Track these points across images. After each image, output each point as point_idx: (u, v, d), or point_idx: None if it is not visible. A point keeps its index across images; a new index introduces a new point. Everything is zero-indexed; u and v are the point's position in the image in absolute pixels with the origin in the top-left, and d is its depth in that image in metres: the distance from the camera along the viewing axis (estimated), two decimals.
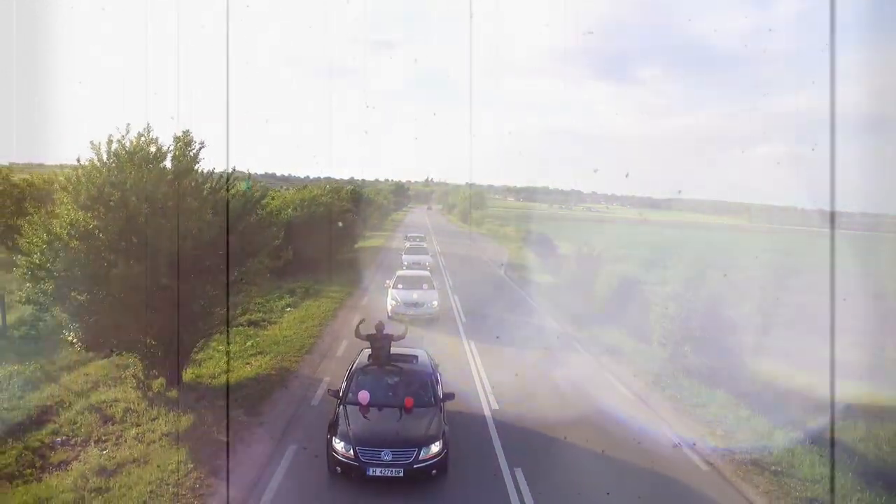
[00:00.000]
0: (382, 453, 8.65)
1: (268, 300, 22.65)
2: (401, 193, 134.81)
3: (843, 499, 9.03)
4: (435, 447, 8.82)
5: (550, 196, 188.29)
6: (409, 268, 27.00)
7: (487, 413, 11.90)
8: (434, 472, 8.85)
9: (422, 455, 8.70)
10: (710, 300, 16.85)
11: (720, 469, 9.99)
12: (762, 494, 9.18)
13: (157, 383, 13.09)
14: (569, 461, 10.00)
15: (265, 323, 19.86)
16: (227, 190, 13.23)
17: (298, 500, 8.43)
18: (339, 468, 8.82)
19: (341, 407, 9.62)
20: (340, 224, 33.56)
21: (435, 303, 20.63)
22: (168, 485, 8.60)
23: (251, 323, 19.27)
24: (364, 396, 9.54)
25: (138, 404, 12.25)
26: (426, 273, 24.27)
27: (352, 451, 8.68)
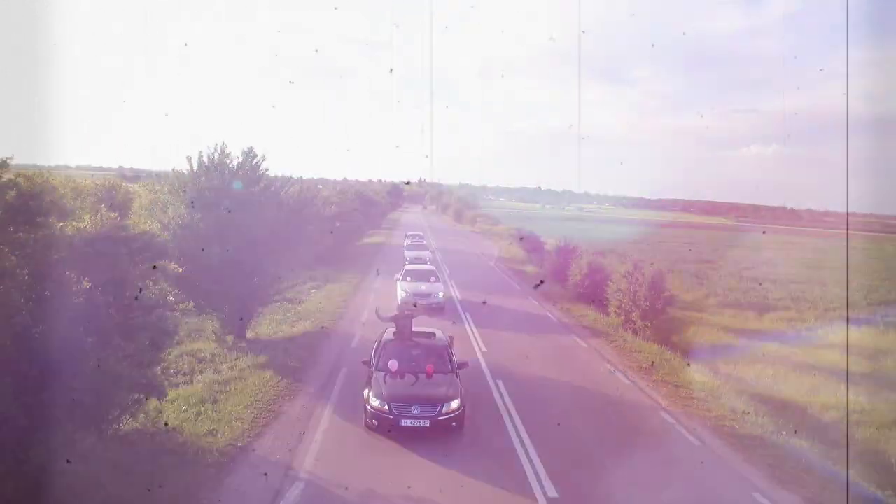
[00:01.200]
0: (412, 408, 10.45)
1: (295, 283, 27.06)
2: (396, 194, 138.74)
3: (715, 398, 13.55)
4: (454, 404, 10.64)
5: (543, 196, 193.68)
6: (412, 263, 29.76)
7: (478, 353, 16.39)
8: (454, 424, 10.63)
9: (444, 410, 10.51)
10: (655, 280, 21.28)
11: (638, 383, 14.52)
12: (662, 395, 13.73)
13: (229, 338, 17.46)
14: (534, 380, 14.44)
15: (297, 300, 24.26)
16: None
17: (355, 394, 12.80)
18: (375, 421, 10.58)
19: (374, 373, 11.41)
20: (338, 224, 37.96)
21: (441, 293, 22.93)
22: (268, 386, 13.02)
23: (286, 300, 23.69)
24: (393, 364, 11.27)
25: (220, 351, 16.60)
26: (432, 267, 26.46)
27: (386, 406, 10.49)
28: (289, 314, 21.42)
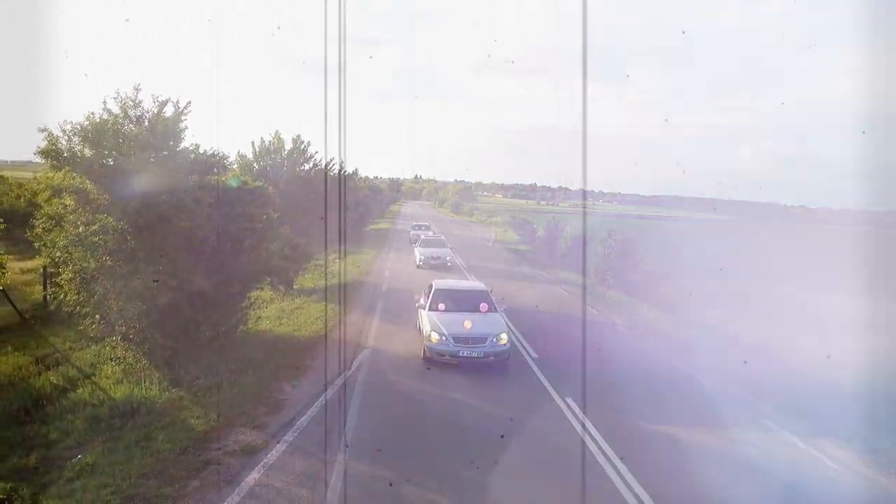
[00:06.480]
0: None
1: (320, 254, 31.61)
2: (395, 188, 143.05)
3: (635, 313, 18.12)
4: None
5: (538, 193, 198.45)
6: (424, 264, 27.53)
7: None
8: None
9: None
10: (625, 249, 25.89)
11: (596, 309, 19.18)
12: (609, 312, 18.34)
13: (280, 287, 21.91)
14: (521, 312, 18.98)
15: (326, 266, 28.82)
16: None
17: (390, 315, 17.26)
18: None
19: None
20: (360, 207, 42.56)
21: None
22: (327, 309, 17.52)
23: (317, 264, 28.27)
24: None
25: (275, 296, 21.09)
26: (480, 285, 16.66)
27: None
28: (323, 274, 25.96)
